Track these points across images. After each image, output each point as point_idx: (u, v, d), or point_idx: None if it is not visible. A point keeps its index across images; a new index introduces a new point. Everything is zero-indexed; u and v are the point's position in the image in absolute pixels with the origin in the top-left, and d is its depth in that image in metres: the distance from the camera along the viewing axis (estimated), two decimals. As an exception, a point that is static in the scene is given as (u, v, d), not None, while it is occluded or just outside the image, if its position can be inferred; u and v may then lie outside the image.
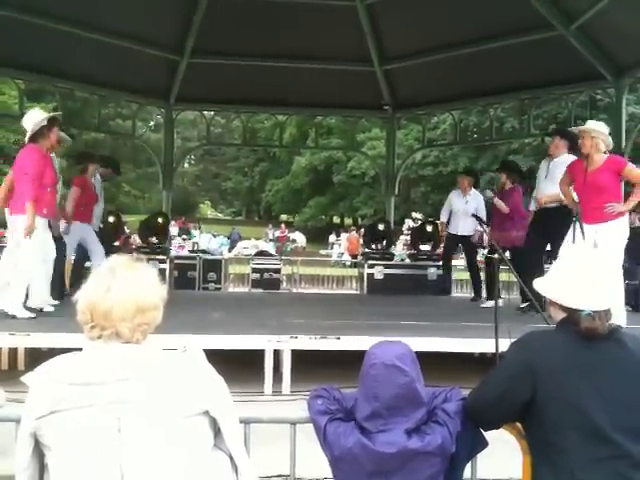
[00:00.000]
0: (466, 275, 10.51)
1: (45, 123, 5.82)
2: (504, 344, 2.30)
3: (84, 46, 9.95)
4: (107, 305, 1.73)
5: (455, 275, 11.17)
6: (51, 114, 6.12)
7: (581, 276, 2.12)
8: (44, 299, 6.20)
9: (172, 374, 1.74)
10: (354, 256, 21.80)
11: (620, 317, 4.85)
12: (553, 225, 6.58)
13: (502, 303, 6.51)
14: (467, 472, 2.21)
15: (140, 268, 1.85)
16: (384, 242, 11.39)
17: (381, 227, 11.59)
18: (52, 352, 1.84)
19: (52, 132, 5.96)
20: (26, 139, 5.82)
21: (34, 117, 5.83)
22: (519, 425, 2.18)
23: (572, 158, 6.51)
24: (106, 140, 31.31)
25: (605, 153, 5.81)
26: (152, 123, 40.85)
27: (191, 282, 10.93)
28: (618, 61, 9.50)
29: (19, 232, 5.72)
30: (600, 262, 2.19)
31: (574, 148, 6.68)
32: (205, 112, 13.33)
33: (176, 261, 11.17)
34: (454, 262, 10.82)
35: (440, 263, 10.46)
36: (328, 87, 11.44)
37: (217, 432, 1.83)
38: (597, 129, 5.80)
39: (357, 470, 1.99)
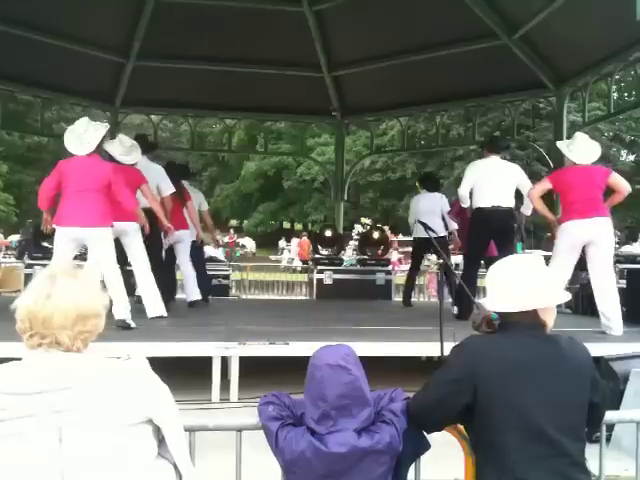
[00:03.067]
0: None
1: (104, 134, 5.78)
2: (449, 347, 2.34)
3: (26, 47, 9.71)
4: (46, 313, 1.69)
5: (397, 280, 11.23)
6: (106, 125, 5.93)
7: (498, 280, 2.21)
8: None
9: (114, 382, 1.72)
10: (305, 262, 21.80)
11: None
12: None
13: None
14: (411, 474, 2.24)
15: (81, 275, 1.82)
16: (334, 248, 11.46)
17: (329, 234, 11.67)
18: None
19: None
20: (87, 150, 5.60)
21: (99, 129, 5.68)
22: (460, 427, 2.22)
23: None
24: (49, 144, 30.53)
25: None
26: (98, 126, 39.83)
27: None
28: (559, 70, 9.78)
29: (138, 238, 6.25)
30: (525, 266, 2.21)
31: None
32: (152, 116, 13.15)
33: (120, 267, 10.89)
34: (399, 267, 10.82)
35: (389, 268, 10.61)
36: (277, 92, 11.44)
37: (161, 440, 1.82)
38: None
39: (309, 473, 2.00)
